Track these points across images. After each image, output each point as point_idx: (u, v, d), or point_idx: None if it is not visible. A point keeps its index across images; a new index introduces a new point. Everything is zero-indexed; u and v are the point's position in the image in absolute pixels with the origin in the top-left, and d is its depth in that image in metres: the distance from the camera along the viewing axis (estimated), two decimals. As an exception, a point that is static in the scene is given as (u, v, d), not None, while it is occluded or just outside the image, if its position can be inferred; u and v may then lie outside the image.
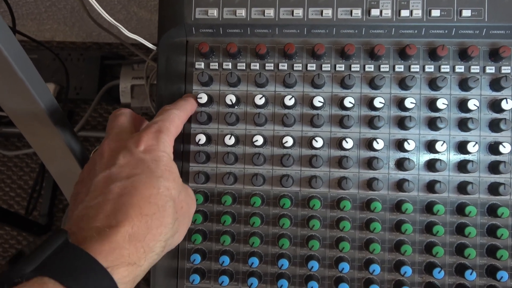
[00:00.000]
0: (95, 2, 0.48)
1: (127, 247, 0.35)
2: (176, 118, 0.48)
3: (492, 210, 0.52)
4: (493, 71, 0.53)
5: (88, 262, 0.33)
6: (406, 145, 0.52)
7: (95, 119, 1.36)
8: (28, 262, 0.32)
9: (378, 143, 0.52)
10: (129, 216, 0.37)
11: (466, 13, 0.52)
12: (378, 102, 0.52)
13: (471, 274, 0.51)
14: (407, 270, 0.51)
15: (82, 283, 0.32)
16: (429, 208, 0.52)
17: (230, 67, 0.56)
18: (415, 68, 0.53)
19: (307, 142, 0.54)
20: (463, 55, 0.52)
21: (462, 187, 0.52)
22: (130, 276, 0.35)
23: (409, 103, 0.52)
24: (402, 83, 0.53)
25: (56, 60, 1.22)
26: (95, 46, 1.35)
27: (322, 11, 0.53)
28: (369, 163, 0.53)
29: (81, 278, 0.32)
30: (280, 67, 0.55)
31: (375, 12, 0.53)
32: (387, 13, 0.53)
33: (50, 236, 0.34)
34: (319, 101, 0.53)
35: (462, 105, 0.52)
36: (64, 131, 0.56)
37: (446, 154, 0.53)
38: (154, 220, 0.38)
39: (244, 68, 0.56)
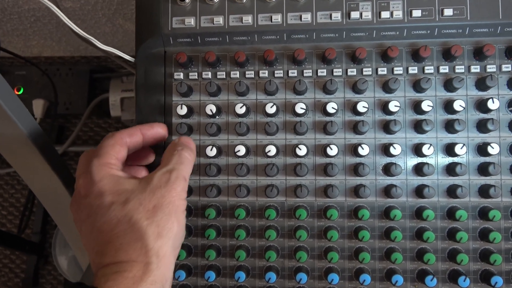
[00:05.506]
0: (62, 15, 0.47)
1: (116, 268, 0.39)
2: (106, 143, 0.46)
3: (483, 213, 0.50)
4: (478, 70, 0.51)
5: None
6: (392, 150, 0.50)
7: (86, 134, 1.35)
8: None
9: (363, 148, 0.51)
10: (107, 256, 0.40)
11: (448, 12, 0.50)
12: (361, 107, 0.51)
13: (464, 280, 0.49)
14: (398, 279, 0.50)
15: None
16: (418, 213, 0.51)
17: (209, 76, 0.55)
18: (398, 70, 0.52)
19: (291, 150, 0.53)
20: (447, 55, 0.51)
21: (451, 191, 0.50)
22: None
23: (393, 106, 0.51)
24: (386, 86, 0.51)
25: (45, 76, 1.21)
26: (83, 60, 1.34)
27: (301, 16, 0.52)
28: (355, 170, 0.52)
29: None
30: (261, 75, 0.54)
31: (355, 14, 0.51)
32: (367, 15, 0.51)
33: None
34: (301, 108, 0.52)
35: (448, 106, 0.51)
36: (43, 150, 0.54)
37: (434, 158, 0.51)
38: (131, 241, 0.40)
39: (224, 77, 0.55)
